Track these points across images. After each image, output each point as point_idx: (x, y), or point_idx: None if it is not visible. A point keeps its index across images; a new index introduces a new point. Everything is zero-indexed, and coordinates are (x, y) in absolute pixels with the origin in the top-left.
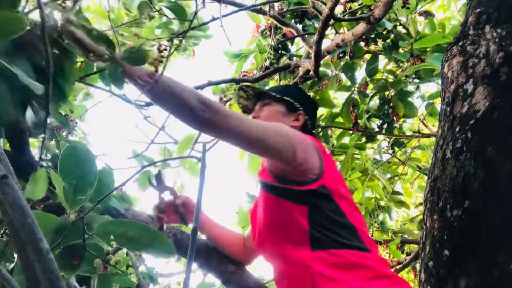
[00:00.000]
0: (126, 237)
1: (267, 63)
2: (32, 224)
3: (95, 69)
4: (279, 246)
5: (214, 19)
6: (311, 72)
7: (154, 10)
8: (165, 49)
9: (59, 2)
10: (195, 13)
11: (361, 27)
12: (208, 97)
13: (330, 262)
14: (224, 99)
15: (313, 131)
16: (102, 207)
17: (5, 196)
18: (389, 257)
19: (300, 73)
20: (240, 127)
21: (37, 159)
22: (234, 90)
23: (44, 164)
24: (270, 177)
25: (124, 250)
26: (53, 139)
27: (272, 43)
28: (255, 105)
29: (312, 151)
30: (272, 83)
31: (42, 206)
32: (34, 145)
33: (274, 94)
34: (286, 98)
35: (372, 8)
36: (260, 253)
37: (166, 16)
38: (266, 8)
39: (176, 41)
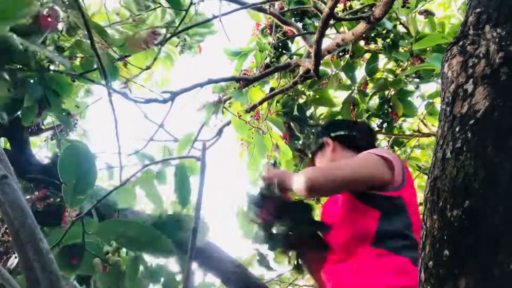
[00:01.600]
0: (126, 237)
1: (267, 60)
2: (32, 224)
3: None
4: (348, 240)
5: (214, 17)
6: (311, 71)
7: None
8: (159, 34)
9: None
10: (191, 3)
11: (361, 26)
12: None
13: (385, 259)
14: (224, 98)
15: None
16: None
17: (5, 196)
18: None
19: (300, 72)
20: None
21: (38, 158)
22: (234, 88)
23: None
24: None
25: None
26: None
27: (273, 42)
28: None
29: (399, 165)
30: (272, 82)
31: (42, 205)
32: (35, 144)
33: (328, 131)
34: (340, 135)
35: (372, 9)
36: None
37: (162, 5)
38: (267, 6)
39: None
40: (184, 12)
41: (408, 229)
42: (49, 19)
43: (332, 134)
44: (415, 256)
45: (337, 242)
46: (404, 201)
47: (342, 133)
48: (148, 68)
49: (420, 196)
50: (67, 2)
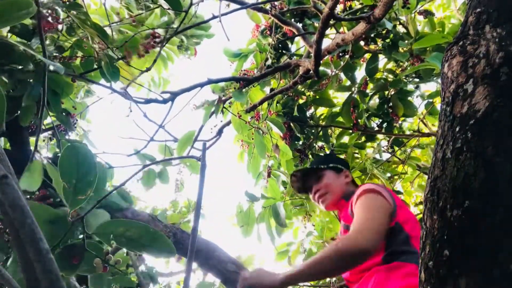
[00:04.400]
0: (126, 237)
1: (268, 62)
2: (32, 224)
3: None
4: (360, 269)
5: (214, 17)
6: (311, 72)
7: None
8: (158, 36)
9: None
10: (191, 3)
11: (361, 26)
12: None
13: (392, 267)
14: (224, 98)
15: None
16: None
17: (5, 196)
18: None
19: (300, 72)
20: (379, 229)
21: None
22: (234, 88)
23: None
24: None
25: (124, 250)
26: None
27: (273, 42)
28: (305, 183)
29: (387, 194)
30: (273, 82)
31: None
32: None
33: (322, 166)
34: (332, 165)
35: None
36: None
37: (161, 6)
38: (267, 7)
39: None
40: (183, 13)
41: (408, 242)
42: (50, 20)
43: (326, 166)
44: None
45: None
46: (400, 223)
47: (337, 165)
48: (148, 69)
49: (420, 196)
50: (67, 3)
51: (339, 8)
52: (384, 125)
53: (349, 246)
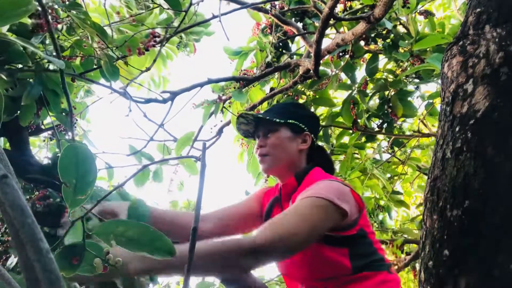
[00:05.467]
0: (125, 236)
1: (268, 59)
2: (32, 224)
3: (95, 66)
4: (325, 279)
5: (214, 16)
6: (311, 71)
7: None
8: (158, 36)
9: None
10: (191, 3)
11: (361, 26)
12: (248, 243)
13: (363, 277)
14: (223, 97)
15: (317, 145)
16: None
17: (5, 196)
18: (396, 257)
19: (300, 72)
20: (298, 242)
21: (37, 158)
22: (234, 88)
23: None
24: None
25: None
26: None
27: (273, 41)
28: (255, 129)
29: (351, 200)
30: (272, 81)
31: (42, 205)
32: (34, 144)
33: (277, 120)
34: (290, 121)
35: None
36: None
37: (161, 6)
38: (267, 6)
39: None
40: (182, 12)
41: (373, 247)
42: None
43: (284, 120)
44: (386, 264)
45: (308, 282)
46: (364, 228)
47: (298, 124)
48: (148, 69)
49: (420, 197)
50: (67, 2)
51: (339, 8)
52: (384, 125)
53: (260, 247)
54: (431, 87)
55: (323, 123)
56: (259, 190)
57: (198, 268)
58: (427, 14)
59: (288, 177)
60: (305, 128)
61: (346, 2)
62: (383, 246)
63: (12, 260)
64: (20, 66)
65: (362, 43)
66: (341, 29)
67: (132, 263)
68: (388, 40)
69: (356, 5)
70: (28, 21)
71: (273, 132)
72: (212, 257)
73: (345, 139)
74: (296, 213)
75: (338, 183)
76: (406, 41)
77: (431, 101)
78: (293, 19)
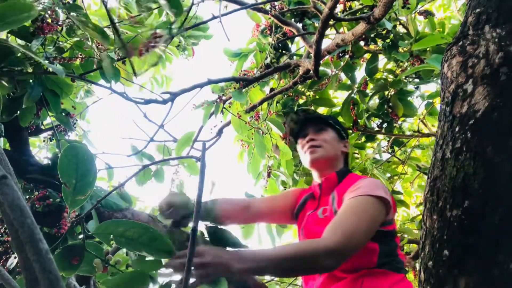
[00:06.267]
0: (125, 237)
1: (268, 60)
2: (31, 224)
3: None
4: (349, 268)
5: (214, 17)
6: (311, 72)
7: (152, 1)
8: (160, 37)
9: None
10: (192, 4)
11: (361, 27)
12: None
13: (381, 273)
14: (223, 98)
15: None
16: (103, 202)
17: (5, 196)
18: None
19: (300, 73)
20: (362, 240)
21: (37, 158)
22: (234, 88)
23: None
24: None
25: (124, 250)
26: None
27: (273, 42)
28: (301, 128)
29: (388, 194)
30: (272, 82)
31: (41, 206)
32: (34, 145)
33: (330, 121)
34: (338, 127)
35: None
36: None
37: (162, 7)
38: (267, 7)
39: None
40: (183, 13)
41: (396, 249)
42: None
43: (334, 122)
44: (404, 269)
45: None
46: (394, 229)
47: (341, 131)
48: (147, 70)
49: (420, 197)
50: (67, 4)
51: (339, 8)
52: (384, 125)
53: (335, 250)
54: (431, 86)
55: None
56: (296, 188)
57: (279, 270)
58: (427, 14)
59: (330, 172)
60: (346, 137)
61: (346, 3)
62: None
63: (12, 261)
64: (20, 68)
65: (362, 43)
66: (341, 30)
67: (236, 264)
68: (388, 40)
69: (356, 6)
70: (28, 23)
71: (324, 130)
72: (291, 261)
73: None
74: (354, 213)
75: (378, 181)
76: (406, 41)
77: (431, 100)
78: (293, 19)
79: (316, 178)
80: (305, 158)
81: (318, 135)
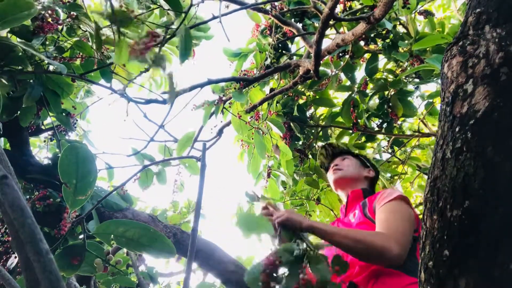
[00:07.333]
0: (126, 237)
1: (268, 60)
2: (32, 224)
3: (95, 66)
4: (376, 270)
5: (214, 17)
6: (311, 72)
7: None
8: (158, 36)
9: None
10: (191, 4)
11: (361, 27)
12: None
13: (396, 274)
14: (224, 98)
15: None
16: (103, 202)
17: (5, 196)
18: None
19: (300, 73)
20: (405, 242)
21: (37, 158)
22: (234, 88)
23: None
24: None
25: (124, 250)
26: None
27: (273, 42)
28: (330, 162)
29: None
30: (272, 82)
31: (42, 206)
32: (35, 145)
33: (353, 152)
34: (361, 157)
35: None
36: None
37: (161, 7)
38: (267, 7)
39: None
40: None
41: (415, 255)
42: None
43: (356, 154)
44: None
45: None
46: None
47: (364, 160)
48: (147, 70)
49: (420, 197)
50: (67, 3)
51: (339, 8)
52: (384, 125)
53: (383, 247)
54: (431, 86)
55: (323, 123)
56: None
57: (340, 241)
58: (427, 14)
59: (355, 188)
60: (369, 166)
61: (346, 3)
62: None
63: (13, 261)
64: (20, 67)
65: (362, 43)
66: (341, 30)
67: (304, 222)
68: (387, 40)
69: (356, 6)
70: (29, 22)
71: (347, 158)
72: (352, 240)
73: (345, 139)
74: (396, 217)
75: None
76: (406, 41)
77: (431, 100)
78: (293, 19)
79: (343, 198)
80: (330, 179)
81: (342, 162)
